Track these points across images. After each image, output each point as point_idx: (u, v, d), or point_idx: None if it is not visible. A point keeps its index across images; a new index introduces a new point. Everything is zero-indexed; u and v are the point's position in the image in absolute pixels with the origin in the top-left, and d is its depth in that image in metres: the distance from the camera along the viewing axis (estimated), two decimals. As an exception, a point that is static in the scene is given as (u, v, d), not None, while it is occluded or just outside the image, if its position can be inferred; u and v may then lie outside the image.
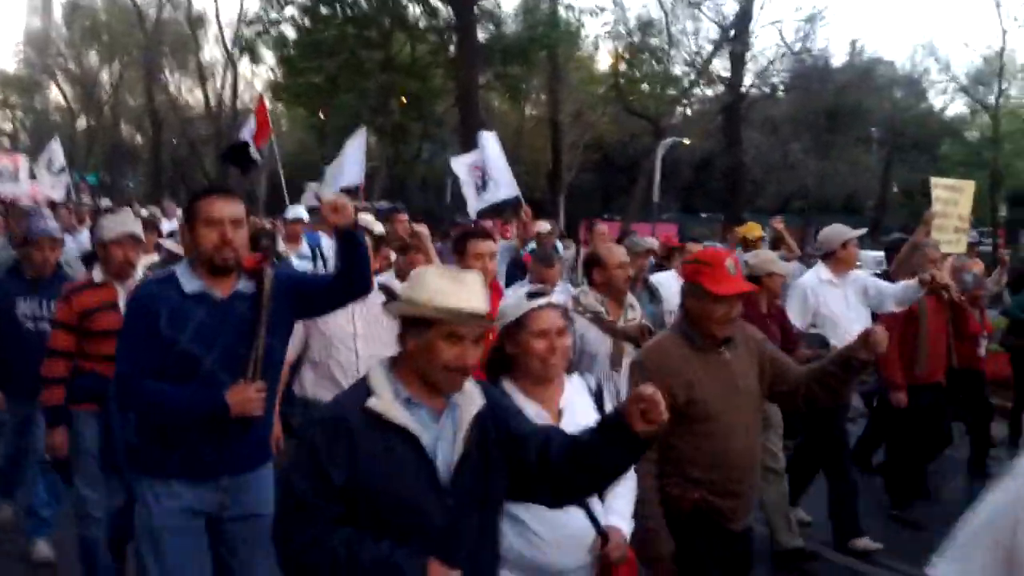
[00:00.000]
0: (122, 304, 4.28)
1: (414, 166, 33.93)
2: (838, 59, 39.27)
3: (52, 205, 16.81)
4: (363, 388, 2.44)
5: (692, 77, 30.28)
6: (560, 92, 30.78)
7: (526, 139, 35.60)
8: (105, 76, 51.53)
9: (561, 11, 27.78)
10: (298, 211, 10.68)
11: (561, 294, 4.85)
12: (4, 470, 5.68)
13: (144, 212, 14.15)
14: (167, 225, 12.19)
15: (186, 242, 3.34)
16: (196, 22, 44.69)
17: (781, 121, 36.59)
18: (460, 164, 11.40)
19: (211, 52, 45.69)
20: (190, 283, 3.21)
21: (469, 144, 24.10)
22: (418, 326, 2.41)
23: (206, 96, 44.34)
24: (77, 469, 4.54)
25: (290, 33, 29.75)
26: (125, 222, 4.67)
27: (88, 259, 7.88)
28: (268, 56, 33.89)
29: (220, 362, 3.17)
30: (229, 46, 40.64)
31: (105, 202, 27.53)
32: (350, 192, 14.70)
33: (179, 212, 12.70)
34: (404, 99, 29.50)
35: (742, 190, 31.89)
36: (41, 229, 5.09)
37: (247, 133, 12.59)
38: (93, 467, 4.52)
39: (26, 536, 5.48)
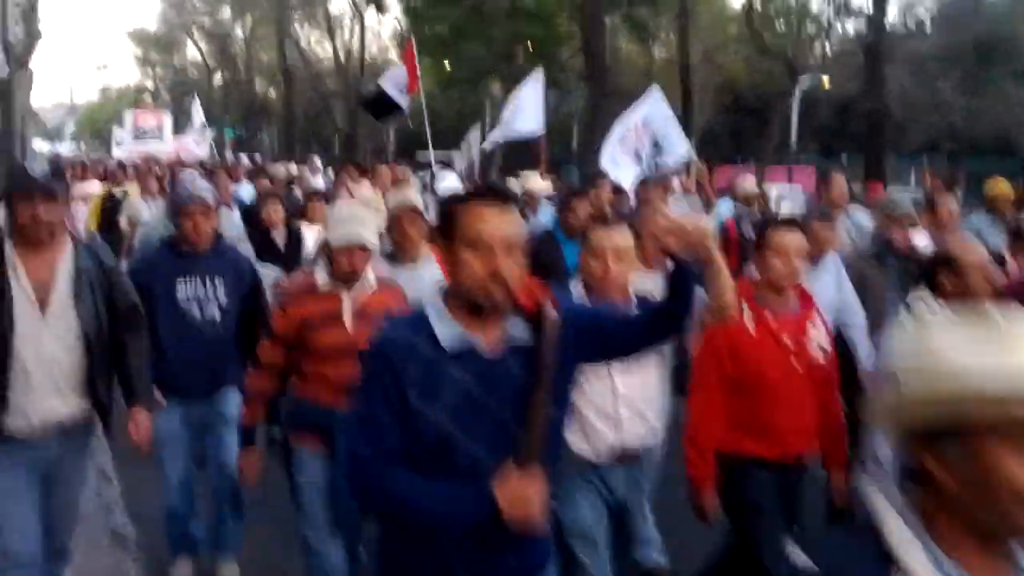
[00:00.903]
0: (347, 317, 3.72)
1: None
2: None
3: (203, 166, 17.27)
4: None
5: (831, 13, 28.63)
6: (689, 32, 29.67)
7: (655, 81, 34.62)
8: (239, 32, 52.88)
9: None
10: (451, 181, 10.10)
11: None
12: (177, 513, 4.48)
13: (292, 169, 14.03)
14: (316, 184, 11.99)
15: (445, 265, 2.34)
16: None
17: (927, 58, 34.52)
18: (619, 133, 10.47)
19: (339, 4, 45.99)
20: (447, 331, 2.24)
21: (596, 90, 23.79)
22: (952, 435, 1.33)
23: (335, 49, 44.94)
24: (300, 507, 3.89)
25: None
26: (351, 225, 3.73)
27: (246, 214, 7.82)
28: (394, 7, 33.96)
29: (486, 444, 2.25)
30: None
31: (243, 159, 28.10)
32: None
33: (329, 171, 12.78)
34: (530, 45, 29.10)
35: (883, 132, 30.19)
36: (189, 195, 4.25)
37: (391, 81, 12.61)
38: (319, 508, 3.81)
39: (209, 554, 4.65)
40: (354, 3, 41.33)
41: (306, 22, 48.38)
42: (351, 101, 42.50)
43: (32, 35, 24.30)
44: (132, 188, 11.89)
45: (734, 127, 39.81)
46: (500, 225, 2.20)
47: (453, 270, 2.23)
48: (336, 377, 3.56)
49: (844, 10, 29.32)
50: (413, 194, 4.87)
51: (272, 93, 54.30)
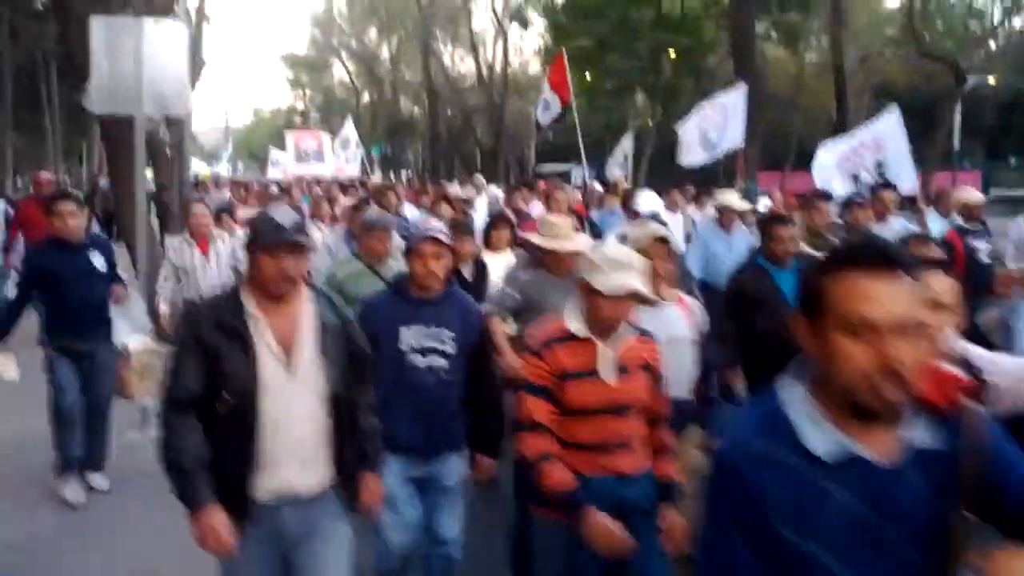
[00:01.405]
0: (606, 371, 3.16)
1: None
2: None
3: (364, 185, 17.42)
4: None
5: (1005, 7, 26.93)
6: (843, 35, 28.51)
7: (807, 86, 33.51)
8: (385, 52, 54.37)
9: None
10: (650, 200, 9.57)
11: None
12: None
13: (456, 189, 13.05)
14: (481, 204, 10.87)
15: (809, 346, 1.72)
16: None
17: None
18: (845, 151, 10.13)
19: (481, 22, 46.77)
20: (822, 437, 1.69)
21: (747, 97, 23.08)
22: None
23: (478, 66, 45.52)
24: None
25: (558, -2, 29.80)
26: (626, 272, 3.14)
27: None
28: (538, 22, 34.09)
29: None
30: (499, 14, 41.35)
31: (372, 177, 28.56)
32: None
33: (493, 190, 12.35)
34: (675, 55, 28.61)
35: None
36: (423, 234, 3.74)
37: (544, 100, 12.53)
38: None
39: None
40: (497, 20, 41.77)
41: (449, 40, 49.27)
42: (494, 116, 43.00)
43: (197, 63, 25.55)
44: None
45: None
46: (891, 302, 1.63)
47: (824, 357, 1.67)
48: (592, 439, 3.17)
49: (1016, 7, 27.50)
50: (657, 225, 4.31)
51: (416, 111, 55.58)
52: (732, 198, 7.70)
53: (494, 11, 42.13)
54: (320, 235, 8.70)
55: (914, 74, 32.72)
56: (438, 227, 3.81)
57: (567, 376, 3.16)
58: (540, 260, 4.63)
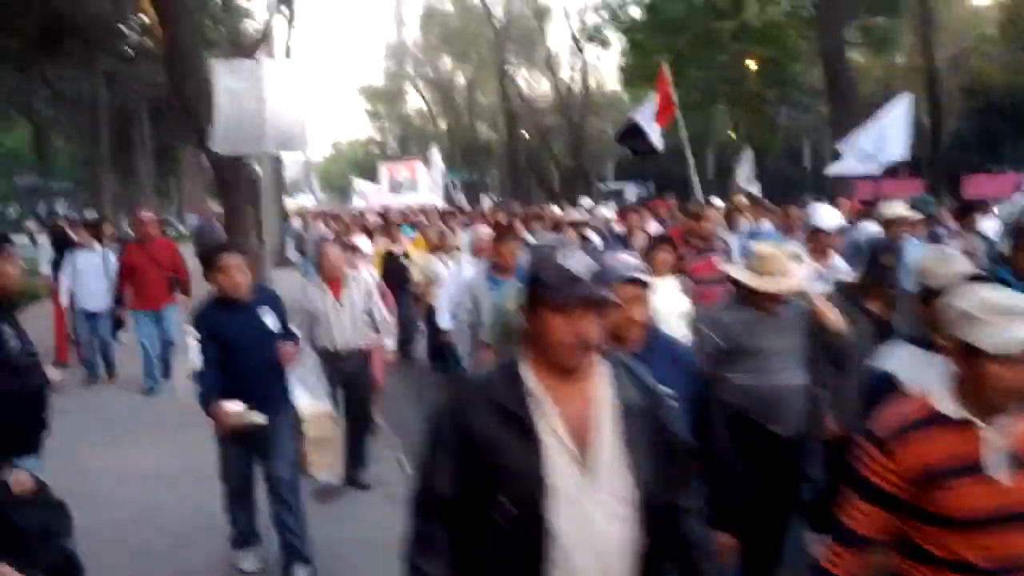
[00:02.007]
0: (994, 468, 2.33)
1: (773, 137, 32.43)
2: None
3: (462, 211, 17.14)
4: None
5: None
6: (933, 36, 27.85)
7: (897, 89, 32.79)
8: (460, 78, 54.93)
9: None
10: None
11: None
12: None
13: (574, 213, 12.15)
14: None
15: None
16: (543, 13, 46.13)
17: None
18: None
19: (556, 42, 47.01)
20: None
21: (839, 105, 22.68)
22: None
23: (555, 85, 45.60)
24: None
25: (635, 12, 29.71)
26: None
27: None
28: (615, 40, 34.04)
29: None
30: (576, 34, 41.42)
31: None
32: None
33: (603, 211, 11.80)
34: (755, 65, 28.23)
35: None
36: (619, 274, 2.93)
37: (644, 115, 12.15)
38: None
39: None
40: (575, 41, 41.78)
41: (524, 63, 49.55)
42: (572, 136, 43.04)
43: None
44: (404, 245, 11.24)
45: (987, 132, 36.88)
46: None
47: None
48: (982, 559, 2.33)
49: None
50: (960, 257, 3.57)
51: (492, 134, 55.98)
52: (900, 209, 7.26)
53: (572, 33, 42.19)
54: (445, 269, 8.45)
55: (1009, 73, 31.71)
56: (634, 264, 3.08)
57: (936, 475, 2.34)
58: (746, 297, 4.12)
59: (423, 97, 58.54)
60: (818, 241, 6.25)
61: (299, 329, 5.79)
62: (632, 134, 12.35)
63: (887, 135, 11.27)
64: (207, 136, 9.05)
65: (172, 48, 12.11)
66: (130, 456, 7.24)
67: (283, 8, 20.69)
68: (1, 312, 3.98)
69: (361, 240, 12.70)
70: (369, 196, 29.46)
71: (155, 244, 9.71)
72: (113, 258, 10.07)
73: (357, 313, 6.24)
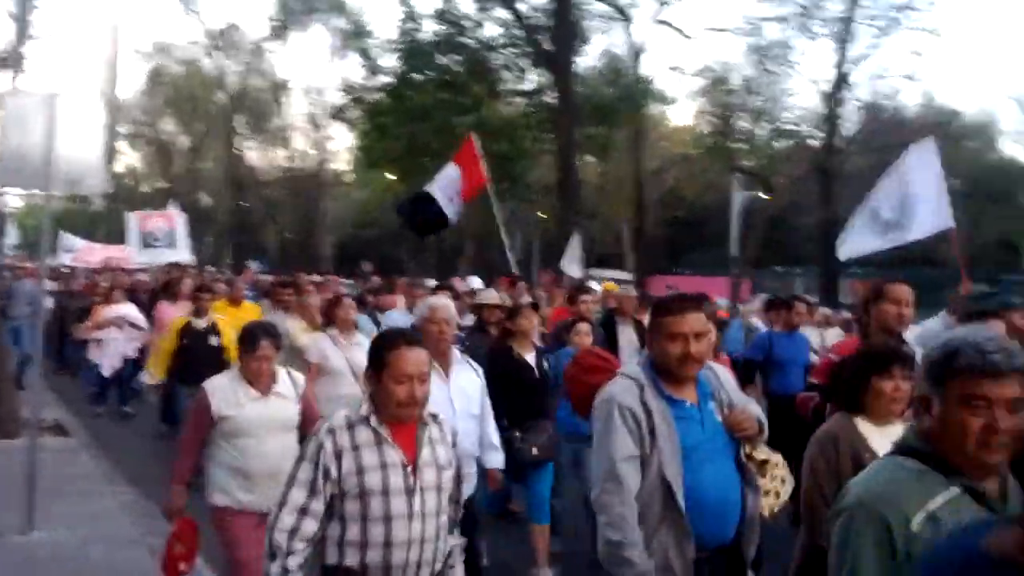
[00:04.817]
0: None
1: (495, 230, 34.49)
2: (910, 111, 39.42)
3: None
4: None
5: (804, 131, 30.48)
6: (643, 148, 31.27)
7: (608, 196, 36.23)
8: (184, 141, 53.02)
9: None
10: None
11: None
12: None
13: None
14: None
15: None
16: (279, 87, 46.00)
17: (852, 175, 36.74)
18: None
19: (291, 116, 46.83)
20: None
21: (568, 202, 24.91)
22: None
23: (290, 160, 45.38)
24: None
25: (377, 96, 30.70)
26: None
27: None
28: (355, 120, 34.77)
29: None
30: (314, 112, 41.80)
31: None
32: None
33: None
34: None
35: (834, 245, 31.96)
36: None
37: (442, 188, 11.58)
38: None
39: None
40: (313, 119, 42.15)
41: (253, 134, 48.98)
42: (299, 209, 42.96)
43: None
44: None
45: (672, 240, 41.51)
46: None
47: None
48: None
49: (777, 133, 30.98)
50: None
51: (210, 200, 54.29)
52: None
53: (310, 112, 42.51)
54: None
55: (702, 188, 36.07)
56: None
57: None
58: None
59: (140, 156, 55.69)
60: None
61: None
62: (413, 209, 12.04)
63: (919, 199, 8.83)
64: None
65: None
66: None
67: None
68: None
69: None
70: (82, 253, 27.20)
71: None
72: None
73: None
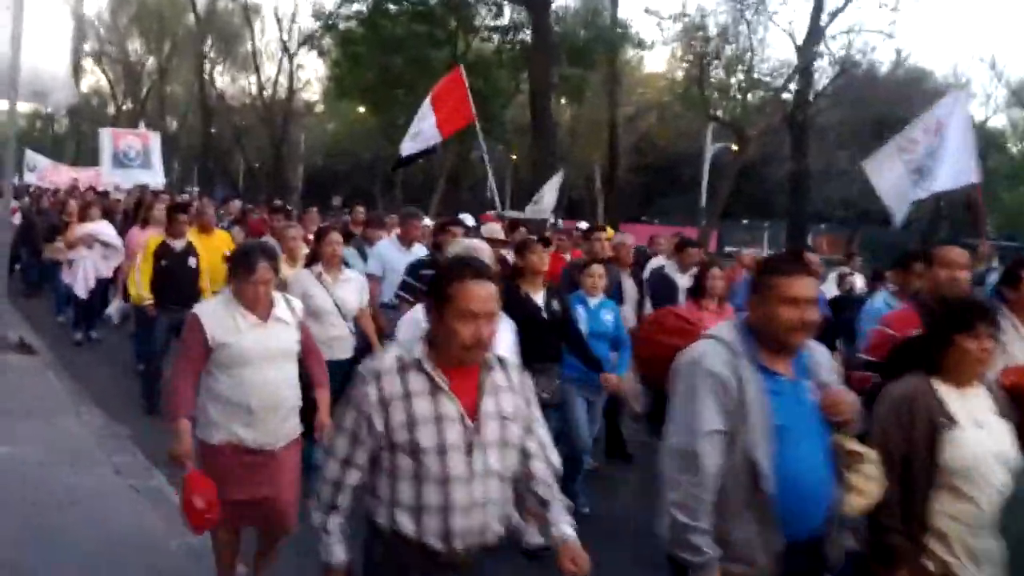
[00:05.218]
0: None
1: (473, 166, 34.27)
2: (883, 68, 39.49)
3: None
4: None
5: (779, 83, 30.39)
6: (618, 93, 31.07)
7: (580, 140, 36.11)
8: (150, 63, 51.92)
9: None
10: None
11: None
12: None
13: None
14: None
15: None
16: (251, 11, 45.03)
17: (824, 128, 36.79)
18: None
19: (262, 42, 45.78)
20: None
21: (542, 144, 24.73)
22: None
23: (259, 87, 44.62)
24: None
25: (353, 25, 30.23)
26: None
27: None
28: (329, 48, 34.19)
29: None
30: (285, 38, 41.05)
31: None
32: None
33: None
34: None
35: (806, 199, 32.18)
36: None
37: (425, 123, 11.25)
38: None
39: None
40: (284, 45, 41.40)
41: (223, 59, 48.04)
42: (270, 137, 42.42)
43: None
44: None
45: (644, 187, 41.53)
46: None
47: None
48: None
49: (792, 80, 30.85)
50: None
51: (175, 125, 53.43)
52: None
53: (281, 37, 41.73)
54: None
55: (675, 135, 36.03)
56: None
57: None
58: None
59: (107, 76, 54.40)
60: None
61: None
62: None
63: (953, 153, 8.62)
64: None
65: None
66: None
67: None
68: None
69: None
70: (48, 173, 26.74)
71: None
72: None
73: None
